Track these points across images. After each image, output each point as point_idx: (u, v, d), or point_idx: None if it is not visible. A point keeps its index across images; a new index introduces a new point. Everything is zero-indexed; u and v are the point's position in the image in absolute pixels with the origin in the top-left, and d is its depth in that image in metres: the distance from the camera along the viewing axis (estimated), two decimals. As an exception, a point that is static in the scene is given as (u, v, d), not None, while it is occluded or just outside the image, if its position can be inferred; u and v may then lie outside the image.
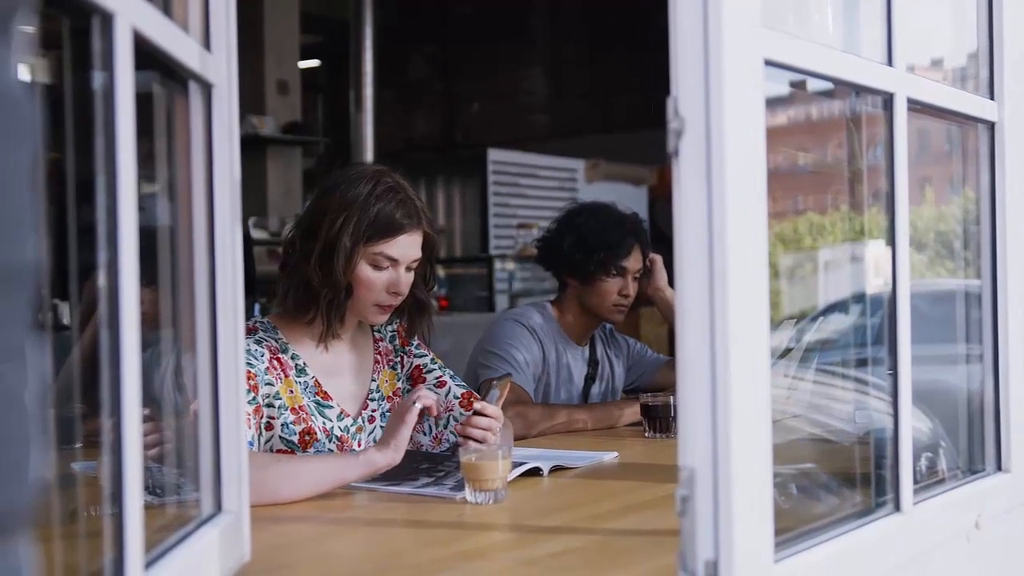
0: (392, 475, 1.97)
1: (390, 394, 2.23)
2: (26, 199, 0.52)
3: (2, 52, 0.51)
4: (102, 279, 0.94)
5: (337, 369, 2.16)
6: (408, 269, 2.09)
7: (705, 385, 1.09)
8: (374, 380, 2.21)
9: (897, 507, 1.42)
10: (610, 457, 2.23)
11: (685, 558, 1.10)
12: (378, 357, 2.24)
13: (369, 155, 7.64)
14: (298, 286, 2.07)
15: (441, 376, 2.26)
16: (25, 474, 0.52)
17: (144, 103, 1.03)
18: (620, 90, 8.76)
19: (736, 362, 1.08)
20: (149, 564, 1.03)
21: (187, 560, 1.14)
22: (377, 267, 2.06)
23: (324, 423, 2.08)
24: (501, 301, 7.21)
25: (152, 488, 1.20)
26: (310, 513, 1.77)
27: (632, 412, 2.71)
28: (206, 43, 1.27)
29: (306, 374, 2.10)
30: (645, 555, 1.46)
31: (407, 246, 2.07)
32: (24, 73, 0.54)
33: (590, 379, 3.00)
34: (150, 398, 1.08)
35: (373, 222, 2.02)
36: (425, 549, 1.52)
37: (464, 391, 2.25)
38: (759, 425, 1.13)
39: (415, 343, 2.29)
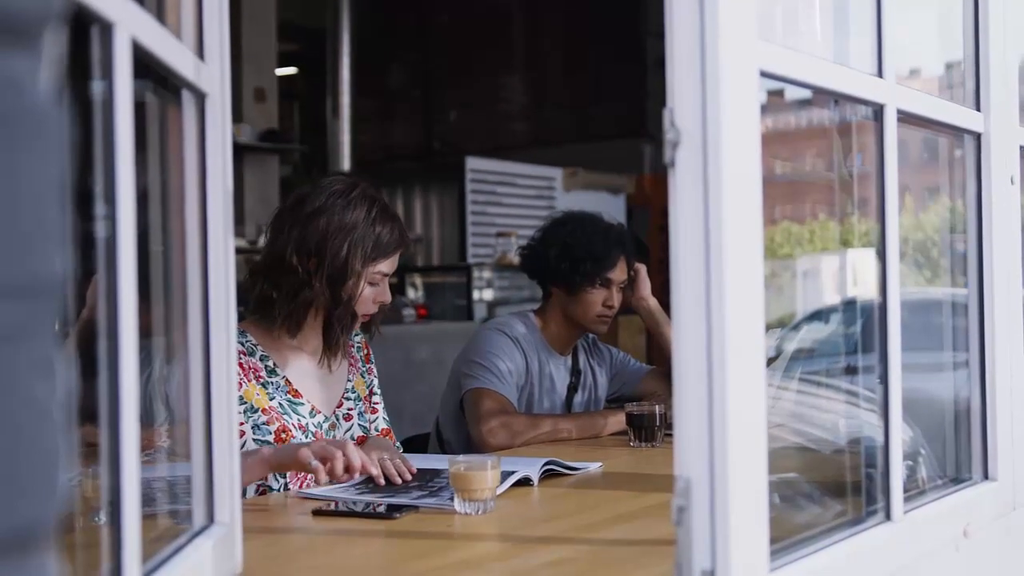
0: (386, 490, 1.96)
1: (364, 395, 2.32)
2: (56, 213, 0.51)
3: (32, 66, 0.51)
4: (101, 289, 0.93)
5: (310, 370, 2.22)
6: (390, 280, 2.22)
7: (702, 395, 1.09)
8: (350, 380, 2.29)
9: (888, 516, 1.42)
10: (595, 467, 2.23)
11: (682, 568, 1.10)
12: (352, 360, 2.32)
13: (346, 163, 7.62)
14: (303, 305, 2.13)
15: (378, 404, 2.38)
16: (54, 487, 0.52)
17: (137, 112, 1.02)
18: (599, 99, 8.78)
19: (733, 372, 1.08)
20: (144, 577, 1.02)
21: (180, 572, 1.13)
22: (373, 283, 2.17)
23: (298, 420, 2.14)
24: (480, 310, 7.20)
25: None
26: (302, 525, 1.76)
27: (616, 421, 2.71)
28: (199, 52, 1.27)
29: (277, 375, 2.15)
30: (638, 564, 1.46)
31: (396, 260, 2.20)
32: (53, 86, 0.54)
33: (573, 389, 2.99)
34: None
35: (376, 244, 2.14)
36: (417, 560, 1.52)
37: (385, 427, 2.37)
38: (755, 435, 1.13)
39: (372, 361, 2.39)
